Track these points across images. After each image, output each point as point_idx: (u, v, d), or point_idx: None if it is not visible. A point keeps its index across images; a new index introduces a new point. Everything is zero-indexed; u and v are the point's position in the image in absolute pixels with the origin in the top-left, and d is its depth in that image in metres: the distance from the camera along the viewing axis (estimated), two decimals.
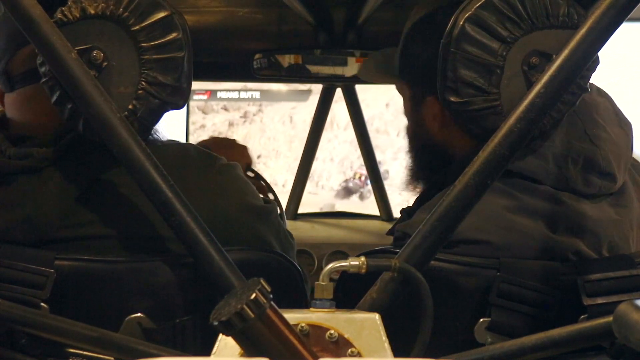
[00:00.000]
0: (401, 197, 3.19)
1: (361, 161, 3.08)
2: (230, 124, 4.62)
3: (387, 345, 0.99)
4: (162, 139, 1.43)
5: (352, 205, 4.50)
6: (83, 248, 1.29)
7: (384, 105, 4.20)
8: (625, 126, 1.43)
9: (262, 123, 4.58)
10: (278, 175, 4.63)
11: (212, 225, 1.20)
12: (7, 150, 1.33)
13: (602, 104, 1.42)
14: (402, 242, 1.32)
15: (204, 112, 4.54)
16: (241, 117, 4.62)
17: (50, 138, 1.33)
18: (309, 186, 2.97)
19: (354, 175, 4.61)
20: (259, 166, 4.83)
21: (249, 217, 1.40)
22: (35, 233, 1.28)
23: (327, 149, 2.88)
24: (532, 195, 1.32)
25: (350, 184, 4.66)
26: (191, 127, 3.98)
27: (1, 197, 1.31)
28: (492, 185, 1.16)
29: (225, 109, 4.54)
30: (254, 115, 4.59)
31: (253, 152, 4.63)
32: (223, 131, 4.60)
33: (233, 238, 1.34)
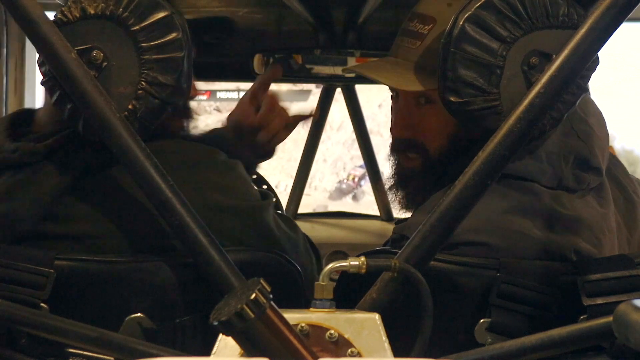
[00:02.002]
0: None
1: (354, 162, 3.07)
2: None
3: (387, 345, 0.99)
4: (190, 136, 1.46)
5: (345, 206, 4.50)
6: (76, 245, 1.29)
7: (377, 106, 4.20)
8: (598, 116, 1.45)
9: None
10: (271, 176, 4.63)
11: (206, 220, 1.20)
12: (3, 145, 1.33)
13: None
14: (398, 244, 1.32)
15: (196, 114, 4.53)
16: None
17: (45, 133, 1.33)
18: None
19: (347, 176, 4.61)
20: None
21: (244, 213, 1.39)
22: (12, 229, 1.28)
23: (320, 150, 2.88)
24: (528, 195, 1.32)
25: (344, 186, 4.66)
26: None
27: None
28: (489, 186, 1.16)
29: (218, 110, 4.52)
30: None
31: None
32: None
33: (226, 233, 1.34)
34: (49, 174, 1.30)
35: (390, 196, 1.60)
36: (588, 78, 1.33)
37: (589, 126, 1.40)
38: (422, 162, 1.50)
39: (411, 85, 1.45)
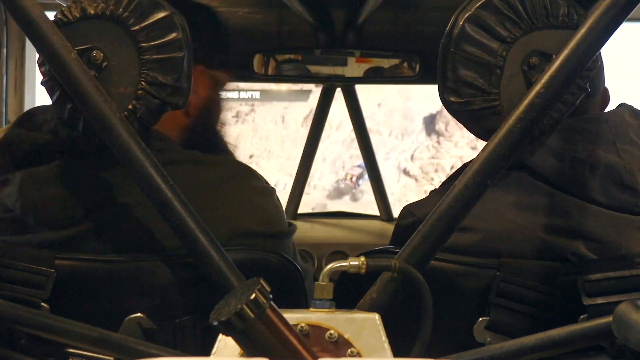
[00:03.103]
0: (393, 197, 3.20)
1: (353, 161, 3.07)
2: (222, 124, 4.60)
3: (387, 345, 0.99)
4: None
5: (344, 206, 4.49)
6: (97, 237, 1.30)
7: (376, 105, 4.20)
8: None
9: (254, 123, 4.57)
10: (270, 175, 4.63)
11: (231, 239, 1.21)
12: (61, 132, 1.35)
13: (637, 126, 1.41)
14: (405, 221, 1.37)
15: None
16: (233, 117, 4.61)
17: None
18: None
19: (345, 176, 4.61)
20: (252, 166, 4.82)
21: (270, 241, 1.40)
22: (65, 213, 1.30)
23: (319, 149, 2.90)
24: (536, 193, 1.31)
25: (342, 185, 4.65)
26: None
27: (43, 173, 1.33)
28: (499, 178, 1.16)
29: None
30: (246, 115, 4.58)
31: (245, 152, 4.62)
32: None
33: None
34: (102, 166, 1.32)
35: None
36: (588, 78, 1.33)
37: (636, 146, 1.35)
38: None
39: None
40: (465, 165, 1.22)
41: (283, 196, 2.77)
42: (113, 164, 1.30)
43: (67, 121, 1.29)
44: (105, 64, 1.26)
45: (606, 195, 1.31)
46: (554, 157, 1.32)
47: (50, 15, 1.24)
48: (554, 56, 1.18)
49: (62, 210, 1.31)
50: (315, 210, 4.46)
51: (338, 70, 2.39)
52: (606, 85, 1.49)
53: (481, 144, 1.22)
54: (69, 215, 1.30)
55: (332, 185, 4.55)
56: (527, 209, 1.30)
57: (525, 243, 1.28)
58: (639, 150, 1.36)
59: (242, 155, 4.56)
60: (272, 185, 1.50)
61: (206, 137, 1.54)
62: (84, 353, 1.19)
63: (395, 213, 3.01)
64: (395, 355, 0.99)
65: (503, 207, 1.30)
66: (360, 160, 2.99)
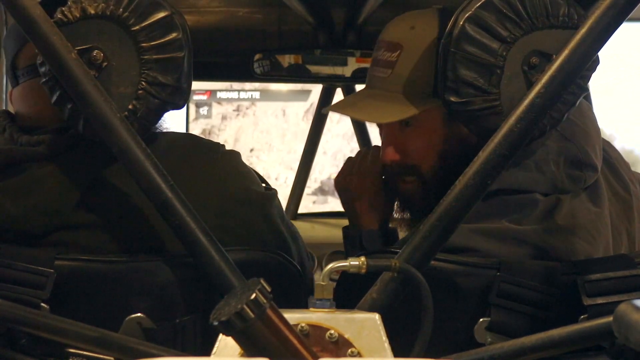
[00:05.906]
0: None
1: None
2: (224, 118, 4.61)
3: (387, 345, 0.99)
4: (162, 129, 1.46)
5: (331, 205, 4.49)
6: (91, 236, 1.30)
7: None
8: (584, 106, 1.43)
9: (255, 116, 4.58)
10: (271, 168, 4.65)
11: (220, 208, 1.22)
12: (18, 139, 1.35)
13: None
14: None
15: (196, 106, 4.54)
16: (234, 110, 4.62)
17: (59, 127, 1.34)
18: None
19: (329, 177, 4.61)
20: (252, 159, 4.83)
21: (255, 202, 1.42)
22: (49, 219, 1.29)
23: (320, 143, 2.91)
24: (524, 205, 1.32)
25: (325, 188, 4.65)
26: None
27: (15, 184, 1.31)
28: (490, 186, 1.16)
29: (219, 102, 4.55)
30: (247, 108, 4.60)
31: (246, 146, 4.64)
32: (216, 124, 4.59)
33: (239, 221, 1.37)
34: (77, 165, 1.32)
35: (396, 222, 1.62)
36: (588, 78, 1.33)
37: (573, 123, 1.39)
38: (419, 183, 1.51)
39: (390, 116, 1.47)
40: None
41: (284, 190, 2.78)
42: (81, 165, 1.31)
43: (67, 121, 1.29)
44: (105, 64, 1.26)
45: (573, 181, 1.34)
46: (520, 169, 1.34)
47: None
48: (554, 56, 1.18)
49: (43, 220, 1.29)
50: (317, 203, 4.48)
51: (338, 70, 2.39)
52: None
53: None
54: (49, 224, 1.29)
55: (314, 187, 4.58)
56: (524, 223, 1.31)
57: (527, 256, 1.29)
58: (571, 122, 1.37)
59: (242, 149, 4.57)
60: (271, 178, 1.52)
61: None
62: (84, 353, 1.19)
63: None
64: (395, 355, 0.99)
65: (505, 225, 1.31)
66: None
